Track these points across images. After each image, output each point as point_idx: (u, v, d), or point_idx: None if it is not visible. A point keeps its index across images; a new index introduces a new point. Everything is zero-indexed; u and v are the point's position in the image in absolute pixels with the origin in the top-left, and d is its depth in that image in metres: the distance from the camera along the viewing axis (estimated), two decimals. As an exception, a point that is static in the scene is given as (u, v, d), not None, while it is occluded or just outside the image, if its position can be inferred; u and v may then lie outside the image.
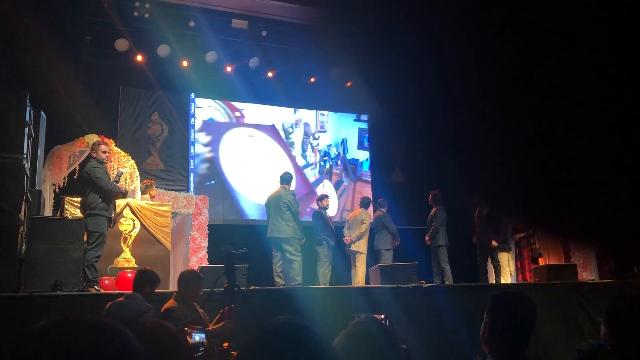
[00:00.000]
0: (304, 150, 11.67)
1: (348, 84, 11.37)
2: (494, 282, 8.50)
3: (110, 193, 6.16)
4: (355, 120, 12.42)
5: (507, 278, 8.93)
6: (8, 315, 4.76)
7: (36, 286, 5.50)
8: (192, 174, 10.28)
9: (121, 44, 9.45)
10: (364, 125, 12.37)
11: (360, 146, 12.32)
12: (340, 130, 12.16)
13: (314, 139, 11.87)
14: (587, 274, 9.96)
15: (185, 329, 2.31)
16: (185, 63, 10.12)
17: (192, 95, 10.63)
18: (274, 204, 7.68)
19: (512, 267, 9.39)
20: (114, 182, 6.24)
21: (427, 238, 8.77)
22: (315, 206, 9.09)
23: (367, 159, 12.21)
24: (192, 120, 10.57)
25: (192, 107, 10.62)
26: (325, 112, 12.00)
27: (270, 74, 10.87)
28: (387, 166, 12.10)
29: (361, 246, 8.61)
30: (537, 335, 5.50)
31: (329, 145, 11.97)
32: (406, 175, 12.08)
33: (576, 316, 6.30)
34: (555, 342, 5.75)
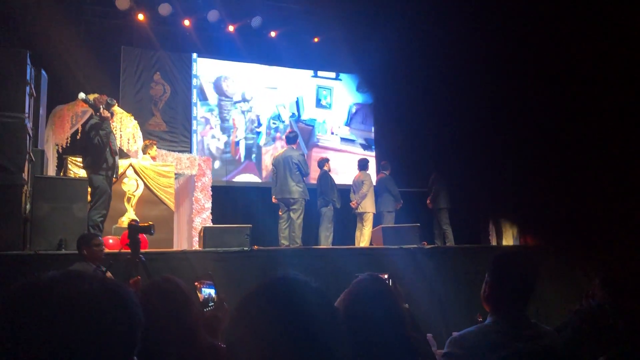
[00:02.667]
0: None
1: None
2: (495, 244, 8.56)
3: (104, 143, 6.09)
4: (313, 76, 11.70)
5: (509, 240, 8.99)
6: (14, 273, 4.82)
7: (41, 245, 5.56)
8: (194, 135, 10.25)
9: (122, 3, 9.30)
10: (325, 81, 11.83)
11: (319, 104, 11.64)
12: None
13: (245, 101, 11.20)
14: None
15: (195, 283, 2.33)
16: (187, 22, 9.96)
17: (194, 55, 10.51)
18: (283, 164, 7.63)
19: (515, 230, 9.44)
20: (103, 124, 6.13)
21: (428, 201, 8.81)
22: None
23: (324, 121, 11.58)
24: (195, 80, 10.48)
25: (195, 67, 10.51)
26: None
27: (273, 34, 10.73)
28: (390, 129, 12.02)
29: (367, 206, 8.60)
30: (537, 295, 5.56)
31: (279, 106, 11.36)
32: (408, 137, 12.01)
33: (576, 277, 6.36)
34: (555, 302, 5.82)
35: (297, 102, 11.45)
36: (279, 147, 10.69)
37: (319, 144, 11.39)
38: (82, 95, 6.41)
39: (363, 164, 9.08)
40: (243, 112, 11.05)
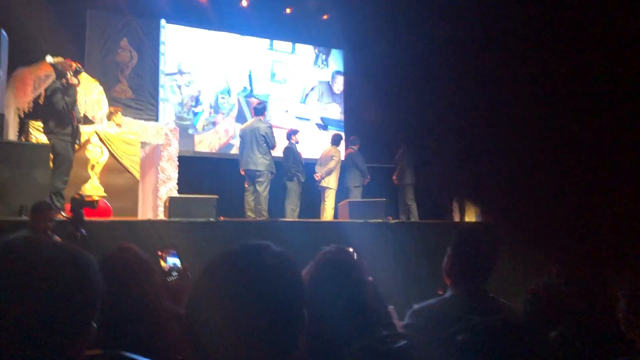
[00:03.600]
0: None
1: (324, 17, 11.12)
2: (458, 220, 8.73)
3: (67, 110, 5.94)
4: (269, 49, 11.19)
5: (471, 218, 9.18)
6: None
7: (1, 211, 5.43)
8: (161, 104, 10.05)
9: (87, -37, 8.97)
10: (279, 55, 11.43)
11: (273, 79, 11.05)
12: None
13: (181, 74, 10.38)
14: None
15: (158, 252, 2.31)
16: (156, -13, 9.69)
17: (163, 21, 10.25)
18: (249, 136, 7.58)
19: (477, 208, 9.64)
20: (68, 90, 5.97)
21: (394, 177, 8.93)
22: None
23: (278, 98, 11.02)
24: (162, 47, 10.24)
25: (162, 34, 10.26)
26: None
27: (244, 3, 10.53)
28: (360, 104, 12.03)
29: (331, 182, 8.67)
30: (497, 271, 5.71)
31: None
32: (378, 113, 12.06)
33: (534, 255, 6.55)
34: (513, 279, 5.99)
35: (249, 76, 10.94)
36: (222, 134, 10.32)
37: (271, 122, 10.79)
38: (49, 58, 6.22)
39: (336, 139, 9.10)
40: (179, 87, 10.37)
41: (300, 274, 1.11)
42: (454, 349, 2.02)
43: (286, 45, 11.45)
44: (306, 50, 11.66)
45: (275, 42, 11.31)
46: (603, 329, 2.06)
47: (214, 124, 10.53)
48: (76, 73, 6.10)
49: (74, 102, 6.06)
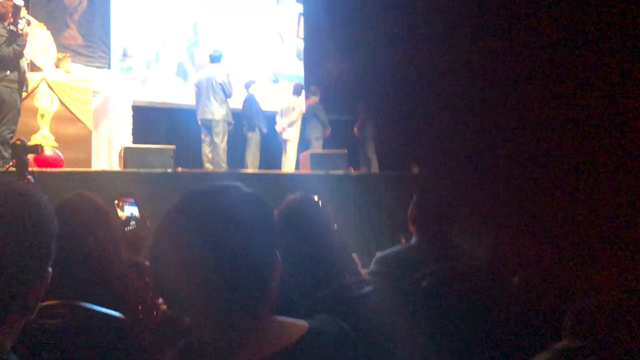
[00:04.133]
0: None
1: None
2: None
3: (13, 58, 5.61)
4: None
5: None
6: None
7: (-56, 161, 5.16)
8: (112, 51, 9.59)
9: None
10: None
11: None
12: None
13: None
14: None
15: (116, 201, 2.21)
16: None
17: (114, -39, 9.69)
18: (206, 84, 7.33)
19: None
20: (15, 37, 5.62)
21: (355, 129, 8.91)
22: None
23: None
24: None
25: (113, -23, 9.72)
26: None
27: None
28: (320, 53, 11.81)
29: (292, 133, 8.57)
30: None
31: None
32: (340, 64, 11.89)
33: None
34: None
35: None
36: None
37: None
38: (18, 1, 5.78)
39: (297, 89, 8.93)
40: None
41: (273, 214, 1.04)
42: (418, 295, 2.03)
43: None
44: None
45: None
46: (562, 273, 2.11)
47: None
48: (27, 23, 5.73)
49: (21, 51, 5.72)
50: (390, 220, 5.67)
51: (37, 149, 3.42)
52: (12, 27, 5.60)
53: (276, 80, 10.90)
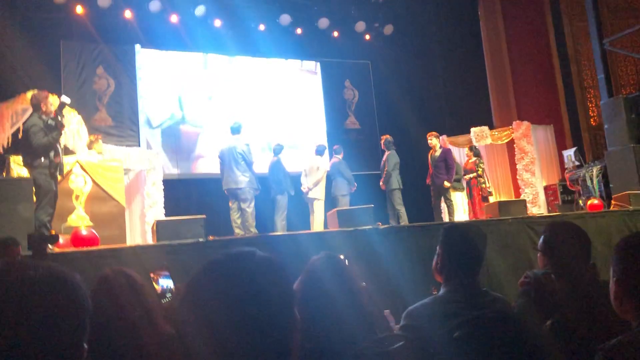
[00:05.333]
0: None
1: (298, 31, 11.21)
2: (448, 221, 8.76)
3: (48, 147, 5.88)
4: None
5: (460, 217, 9.22)
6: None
7: (-14, 248, 5.35)
8: (141, 129, 10.01)
9: (57, -6, 8.96)
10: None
11: None
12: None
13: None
14: (537, 209, 10.40)
15: (151, 275, 2.29)
16: (128, 13, 9.69)
17: (138, 46, 10.24)
18: (227, 155, 7.60)
19: (465, 206, 9.70)
20: (53, 129, 5.90)
21: (381, 182, 8.96)
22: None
23: None
24: (138, 72, 10.22)
25: (138, 59, 10.25)
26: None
27: (217, 23, 10.57)
28: (340, 113, 12.09)
29: (318, 193, 8.68)
30: (488, 268, 5.73)
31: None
32: (360, 121, 12.14)
33: (526, 249, 6.58)
34: (506, 274, 6.02)
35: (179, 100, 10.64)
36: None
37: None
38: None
39: (320, 150, 9.14)
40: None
41: (288, 276, 1.08)
42: (451, 346, 2.02)
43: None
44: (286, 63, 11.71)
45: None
46: (596, 313, 2.08)
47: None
48: (61, 108, 6.02)
49: (57, 141, 6.00)
50: (422, 273, 5.60)
51: (54, 238, 3.49)
52: (51, 121, 5.89)
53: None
